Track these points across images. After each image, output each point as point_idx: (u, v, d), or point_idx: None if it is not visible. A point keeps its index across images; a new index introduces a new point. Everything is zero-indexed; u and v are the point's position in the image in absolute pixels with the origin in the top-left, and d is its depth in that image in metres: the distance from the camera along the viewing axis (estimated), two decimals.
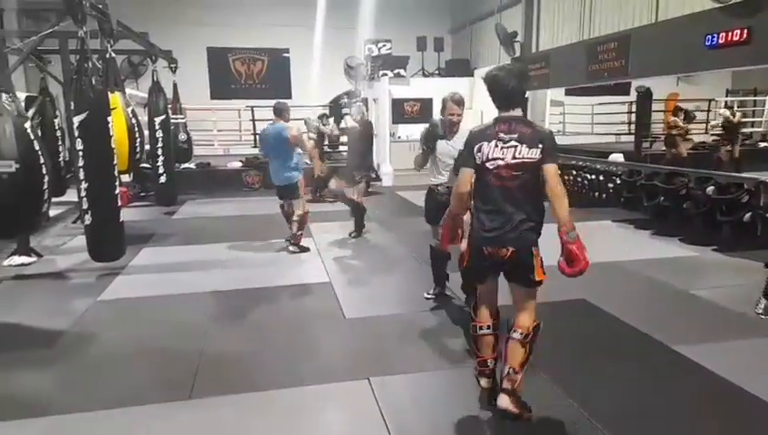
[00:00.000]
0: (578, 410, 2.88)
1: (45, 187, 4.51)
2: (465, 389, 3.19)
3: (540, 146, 2.64)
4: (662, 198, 7.22)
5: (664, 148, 10.96)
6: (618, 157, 9.49)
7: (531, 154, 2.64)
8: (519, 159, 2.64)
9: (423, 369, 3.39)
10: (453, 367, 3.42)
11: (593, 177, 8.95)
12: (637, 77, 9.08)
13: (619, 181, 8.35)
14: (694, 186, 6.83)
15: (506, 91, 2.71)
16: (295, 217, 6.09)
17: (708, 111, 13.04)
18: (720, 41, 6.65)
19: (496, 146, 2.67)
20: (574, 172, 9.41)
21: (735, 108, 11.36)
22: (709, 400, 3.04)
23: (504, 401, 2.71)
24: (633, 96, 11.70)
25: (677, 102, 12.31)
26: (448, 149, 3.99)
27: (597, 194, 8.87)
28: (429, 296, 4.50)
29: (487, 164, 2.69)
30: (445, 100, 4.03)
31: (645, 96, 10.74)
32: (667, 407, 2.94)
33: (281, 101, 6.16)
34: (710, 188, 6.55)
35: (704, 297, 4.56)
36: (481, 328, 2.93)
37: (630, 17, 10.47)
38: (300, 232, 6.19)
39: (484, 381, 2.97)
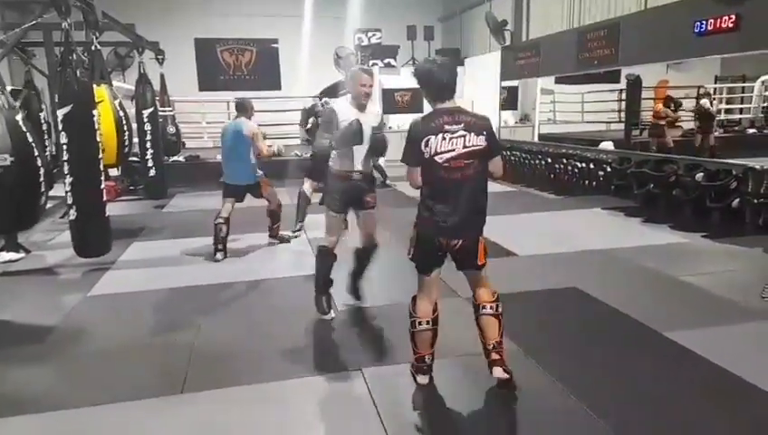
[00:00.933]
0: (572, 399, 2.90)
1: (41, 179, 4.45)
2: (459, 379, 3.20)
3: (484, 133, 2.75)
4: (652, 186, 7.27)
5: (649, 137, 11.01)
6: (608, 145, 9.53)
7: (479, 141, 2.73)
8: (469, 147, 2.71)
9: None
10: (447, 357, 3.42)
11: (583, 165, 8.99)
12: (626, 65, 9.10)
13: (609, 169, 8.39)
14: (683, 173, 6.88)
15: (442, 83, 2.79)
16: (268, 214, 6.06)
17: (697, 97, 13.10)
18: (709, 28, 6.66)
19: (444, 139, 2.69)
20: (565, 161, 9.45)
21: (713, 97, 11.43)
22: (703, 386, 3.06)
23: (498, 372, 2.89)
24: (623, 84, 11.73)
25: (667, 90, 12.35)
26: (365, 127, 3.57)
27: (587, 182, 8.92)
28: (330, 315, 3.97)
29: (436, 158, 2.71)
30: (355, 72, 3.68)
31: (635, 84, 10.77)
32: (660, 393, 2.96)
33: (244, 97, 5.93)
34: (699, 175, 6.60)
35: (694, 284, 4.60)
36: (420, 323, 2.95)
37: (620, 4, 10.48)
38: (276, 224, 6.13)
39: (421, 378, 3.03)
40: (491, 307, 2.92)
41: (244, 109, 5.68)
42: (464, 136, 2.70)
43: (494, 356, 2.90)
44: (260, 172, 5.79)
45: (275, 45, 16.35)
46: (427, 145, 2.70)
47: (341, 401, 3.04)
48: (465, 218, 2.76)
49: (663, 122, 10.66)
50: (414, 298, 3.02)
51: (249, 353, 3.55)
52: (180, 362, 3.40)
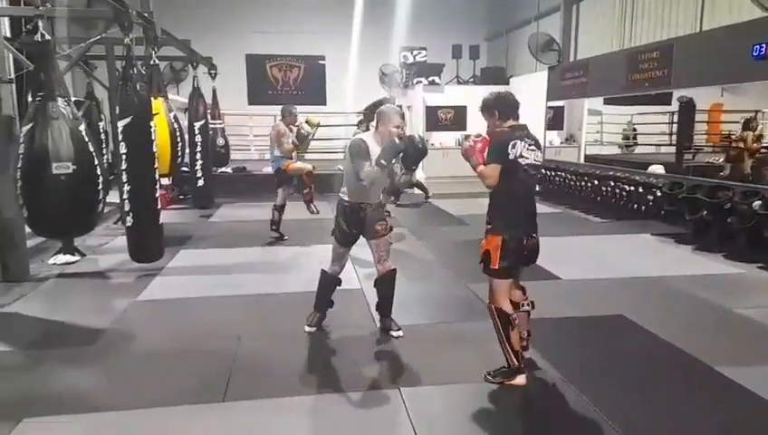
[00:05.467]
0: (615, 431, 2.80)
1: (100, 187, 4.67)
2: (498, 402, 3.15)
3: (542, 152, 3.31)
4: (705, 212, 6.99)
5: (721, 160, 10.51)
6: (658, 168, 9.24)
7: (540, 157, 3.25)
8: (537, 161, 3.21)
9: (455, 380, 3.35)
10: (489, 384, 3.37)
11: (632, 188, 8.74)
12: (680, 87, 8.82)
13: (659, 194, 8.12)
14: (739, 200, 6.59)
15: (516, 106, 3.32)
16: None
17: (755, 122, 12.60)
18: None
19: (525, 146, 3.14)
20: (612, 183, 9.22)
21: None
22: (754, 424, 2.91)
23: (526, 354, 3.43)
24: (675, 106, 11.39)
25: (722, 114, 11.93)
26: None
27: (635, 206, 8.65)
28: (311, 329, 4.08)
29: (519, 160, 3.12)
30: (391, 112, 3.76)
31: (688, 107, 10.45)
32: (708, 429, 2.83)
33: (286, 104, 7.18)
34: (756, 203, 6.31)
35: (749, 317, 4.39)
36: (524, 305, 3.42)
37: (673, 26, 10.22)
38: (306, 189, 7.39)
39: (520, 379, 3.26)
40: (527, 304, 3.45)
41: (282, 114, 6.94)
42: (534, 151, 3.19)
43: (525, 344, 3.43)
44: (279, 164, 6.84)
45: (322, 62, 16.69)
46: (513, 147, 3.10)
47: (379, 418, 3.02)
48: (535, 219, 3.27)
49: (743, 145, 10.23)
50: (493, 307, 3.24)
51: (289, 365, 3.59)
52: (223, 370, 3.46)
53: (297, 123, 6.79)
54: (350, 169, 3.77)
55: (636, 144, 13.41)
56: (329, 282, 4.08)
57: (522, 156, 3.12)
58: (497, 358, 3.58)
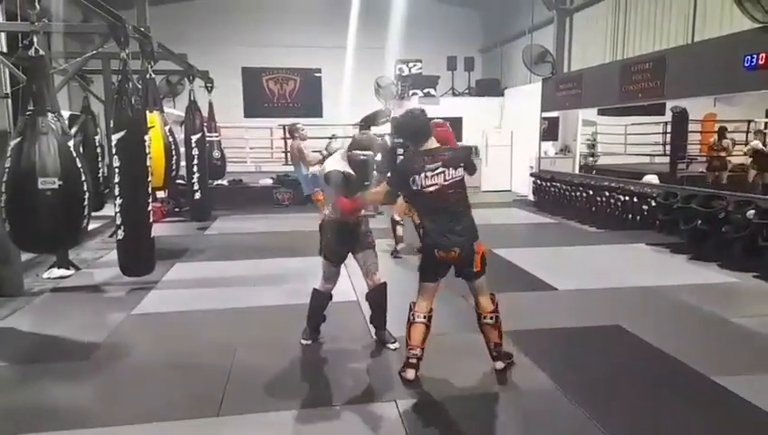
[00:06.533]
0: None
1: (86, 203, 4.63)
2: (495, 415, 3.14)
3: (462, 165, 3.34)
4: (699, 222, 7.02)
5: (706, 170, 10.62)
6: (652, 178, 9.29)
7: (457, 173, 3.31)
8: (450, 180, 3.28)
9: (452, 393, 3.34)
10: (482, 392, 3.36)
11: (627, 198, 8.78)
12: (672, 98, 8.92)
13: (653, 203, 8.16)
14: (733, 209, 6.63)
15: (414, 131, 3.40)
16: None
17: (747, 132, 12.70)
18: (760, 62, 6.50)
19: (426, 177, 3.25)
20: (607, 193, 9.26)
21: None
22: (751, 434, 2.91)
23: (499, 365, 3.54)
24: (668, 116, 11.50)
25: (716, 123, 12.03)
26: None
27: (630, 216, 8.69)
28: (307, 342, 4.09)
29: (425, 190, 3.27)
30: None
31: (681, 117, 10.55)
32: None
33: (291, 124, 7.11)
34: (750, 212, 6.34)
35: (745, 326, 4.39)
36: (418, 316, 3.45)
37: (666, 38, 10.35)
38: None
39: (410, 373, 3.41)
40: (491, 317, 3.47)
41: (290, 132, 7.02)
42: (443, 172, 3.27)
43: (494, 353, 3.54)
44: (313, 188, 6.63)
45: (318, 75, 16.80)
46: (414, 182, 3.27)
47: (375, 432, 3.00)
48: (456, 235, 3.28)
49: (724, 154, 10.33)
50: (414, 302, 3.48)
51: (284, 378, 3.57)
52: (218, 384, 3.44)
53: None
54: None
55: (598, 155, 13.68)
56: (321, 299, 4.06)
57: (426, 186, 3.31)
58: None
